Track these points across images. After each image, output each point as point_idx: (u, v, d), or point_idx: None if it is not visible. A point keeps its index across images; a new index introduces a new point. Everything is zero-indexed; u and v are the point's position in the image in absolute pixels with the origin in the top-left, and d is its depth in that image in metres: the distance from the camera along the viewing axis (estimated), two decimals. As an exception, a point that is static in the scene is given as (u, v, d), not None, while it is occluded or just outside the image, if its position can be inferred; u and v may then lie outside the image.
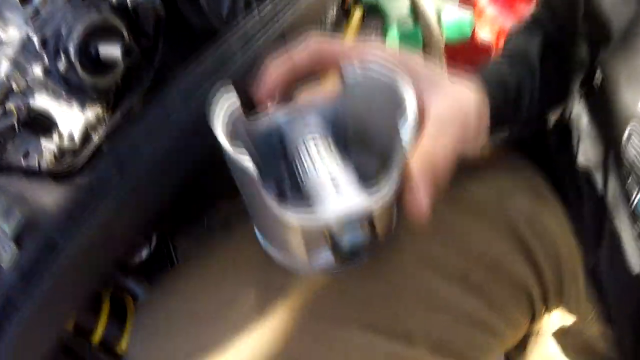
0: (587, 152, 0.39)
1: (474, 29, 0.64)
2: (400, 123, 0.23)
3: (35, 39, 0.32)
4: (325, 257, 0.25)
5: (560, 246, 0.39)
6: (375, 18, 0.55)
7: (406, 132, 0.23)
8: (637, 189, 0.30)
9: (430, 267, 0.34)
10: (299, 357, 0.30)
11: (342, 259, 0.24)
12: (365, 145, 0.29)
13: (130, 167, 0.25)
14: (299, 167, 0.26)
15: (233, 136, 0.25)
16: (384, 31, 0.57)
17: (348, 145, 0.30)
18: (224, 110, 0.24)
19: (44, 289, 0.23)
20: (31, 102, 0.41)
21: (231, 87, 0.25)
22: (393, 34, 0.57)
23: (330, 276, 0.31)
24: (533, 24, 0.43)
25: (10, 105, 0.45)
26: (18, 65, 0.33)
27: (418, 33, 0.58)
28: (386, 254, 0.33)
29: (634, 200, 0.31)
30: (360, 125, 0.29)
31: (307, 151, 0.26)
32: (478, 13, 0.66)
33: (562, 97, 0.42)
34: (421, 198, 0.25)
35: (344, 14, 0.56)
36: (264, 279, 0.31)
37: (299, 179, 0.26)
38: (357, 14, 0.59)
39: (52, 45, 0.33)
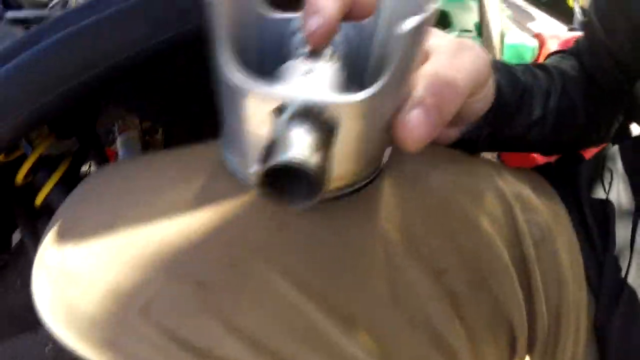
0: (620, 195, 0.35)
1: (536, 60, 0.62)
2: (405, 23, 0.17)
3: None
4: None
5: (565, 284, 0.32)
6: (440, 25, 0.55)
7: (408, 29, 0.17)
8: None
9: (402, 242, 0.27)
10: (205, 277, 0.25)
11: (275, 169, 0.16)
12: None
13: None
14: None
15: (234, 17, 0.21)
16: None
17: (365, 81, 0.25)
18: None
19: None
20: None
21: None
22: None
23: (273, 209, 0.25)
24: (569, 53, 0.42)
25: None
26: None
27: (477, 47, 0.57)
28: (353, 210, 0.26)
29: None
30: (382, 60, 0.24)
31: (306, 52, 0.22)
32: (545, 55, 0.64)
33: (587, 125, 0.38)
34: (419, 118, 0.20)
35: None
36: (207, 183, 0.27)
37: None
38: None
39: None
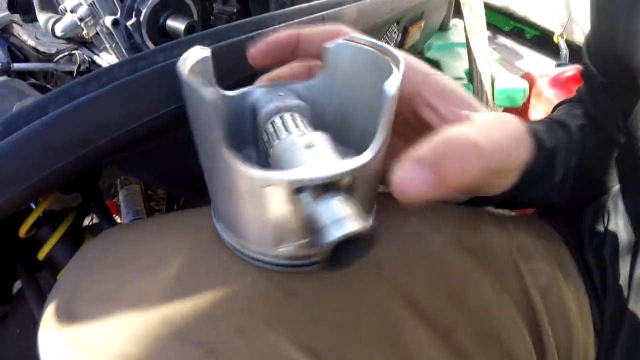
0: (619, 232, 0.35)
1: (527, 104, 0.63)
2: (388, 84, 0.20)
3: (116, -6, 0.37)
4: (290, 241, 0.21)
5: (575, 328, 0.33)
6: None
7: (393, 90, 0.19)
8: None
9: (407, 306, 0.27)
10: (214, 344, 0.25)
11: (320, 246, 0.17)
12: (343, 137, 0.26)
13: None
14: (269, 140, 0.23)
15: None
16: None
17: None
18: (194, 58, 0.22)
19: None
20: (95, 57, 0.45)
21: (207, 48, 0.24)
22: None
23: (282, 280, 0.26)
24: (576, 100, 0.42)
25: (78, 54, 0.50)
26: (94, 11, 0.37)
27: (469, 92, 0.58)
28: (360, 272, 0.26)
29: None
30: (339, 114, 0.26)
31: (283, 122, 0.23)
32: (536, 93, 0.66)
33: (600, 175, 0.39)
34: (412, 175, 0.20)
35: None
36: (211, 252, 0.27)
37: (268, 153, 0.23)
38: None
39: (128, 4, 0.37)
